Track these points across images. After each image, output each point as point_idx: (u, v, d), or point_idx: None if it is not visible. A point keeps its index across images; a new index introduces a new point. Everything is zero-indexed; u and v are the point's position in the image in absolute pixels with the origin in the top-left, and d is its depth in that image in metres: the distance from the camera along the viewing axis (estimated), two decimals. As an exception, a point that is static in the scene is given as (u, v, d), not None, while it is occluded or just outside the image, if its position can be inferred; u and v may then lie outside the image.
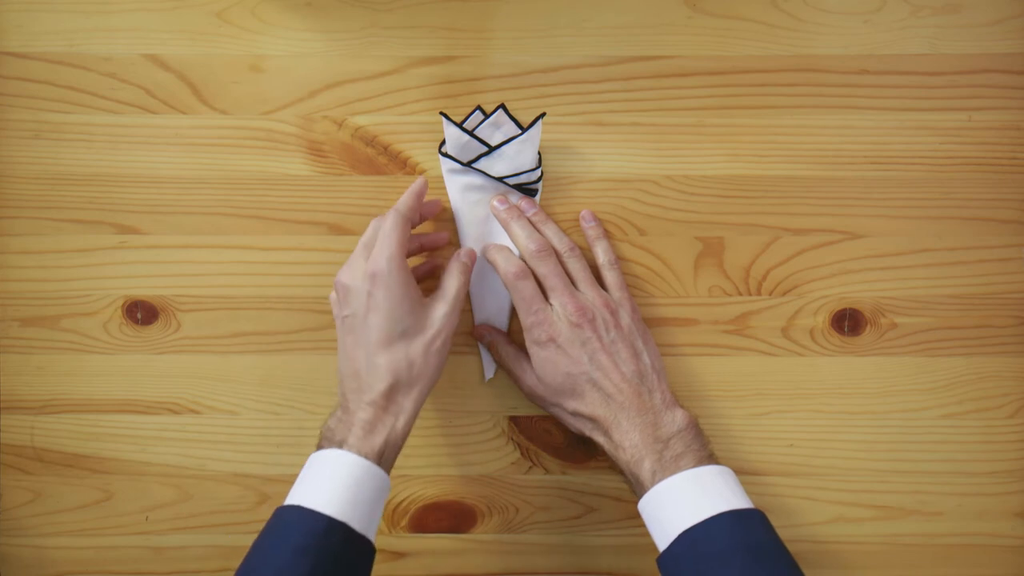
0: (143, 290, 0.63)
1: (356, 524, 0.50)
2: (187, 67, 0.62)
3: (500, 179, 0.60)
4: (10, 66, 0.62)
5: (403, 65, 0.62)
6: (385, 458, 0.52)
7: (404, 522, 0.64)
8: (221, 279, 0.63)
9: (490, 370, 0.62)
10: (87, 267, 0.63)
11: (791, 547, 0.64)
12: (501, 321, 0.62)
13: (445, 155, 0.60)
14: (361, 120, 0.62)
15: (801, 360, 0.63)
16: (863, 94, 0.62)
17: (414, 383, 0.54)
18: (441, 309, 0.55)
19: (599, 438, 0.57)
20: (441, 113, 0.59)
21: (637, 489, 0.54)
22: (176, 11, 0.62)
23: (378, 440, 0.52)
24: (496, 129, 0.60)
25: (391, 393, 0.53)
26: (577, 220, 0.62)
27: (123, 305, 0.63)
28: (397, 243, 0.54)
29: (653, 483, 0.53)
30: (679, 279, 0.63)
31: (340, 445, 0.52)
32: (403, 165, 0.62)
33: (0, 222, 0.63)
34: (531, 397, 0.60)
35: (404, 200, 0.57)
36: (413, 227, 0.59)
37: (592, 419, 0.56)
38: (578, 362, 0.56)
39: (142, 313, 0.63)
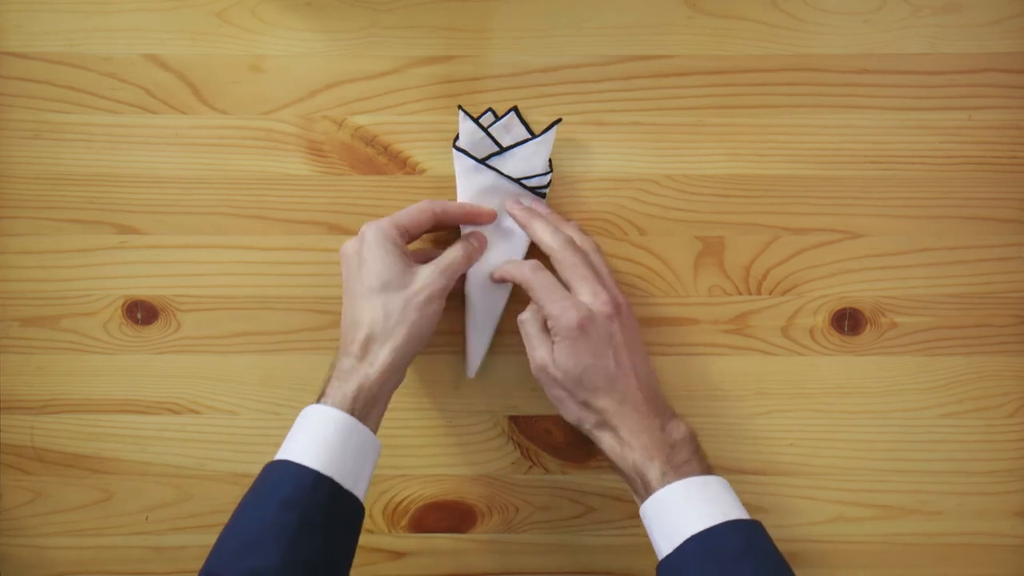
0: (143, 290, 0.63)
1: (343, 480, 0.50)
2: (187, 67, 0.62)
3: (515, 179, 0.60)
4: (10, 66, 0.62)
5: (403, 65, 0.62)
6: (362, 408, 0.52)
7: (404, 522, 0.64)
8: (221, 279, 0.63)
9: (472, 368, 0.62)
10: (87, 267, 0.63)
11: (791, 547, 0.65)
12: (491, 322, 0.61)
13: (460, 150, 0.60)
14: (361, 120, 0.62)
15: (801, 360, 0.63)
16: (863, 94, 0.62)
17: (389, 334, 0.54)
18: (428, 270, 0.56)
19: (603, 434, 0.55)
20: (459, 107, 0.59)
21: (641, 489, 0.54)
22: (176, 11, 0.62)
23: (349, 388, 0.52)
24: (507, 132, 0.60)
25: (367, 343, 0.54)
26: (577, 220, 0.62)
27: (123, 305, 0.63)
28: (398, 215, 0.56)
29: (662, 484, 0.52)
30: (679, 279, 0.63)
31: (319, 399, 0.53)
32: (403, 165, 0.62)
33: (0, 222, 0.63)
34: (538, 373, 0.57)
35: (450, 204, 0.59)
36: (441, 228, 0.61)
37: (601, 413, 0.55)
38: (602, 356, 0.55)
39: (142, 313, 0.63)
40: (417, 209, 0.57)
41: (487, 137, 0.59)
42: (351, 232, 0.62)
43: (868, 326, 0.63)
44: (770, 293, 0.63)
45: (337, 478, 0.50)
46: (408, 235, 0.57)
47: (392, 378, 0.54)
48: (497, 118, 0.60)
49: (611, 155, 0.62)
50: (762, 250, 0.63)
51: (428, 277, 0.55)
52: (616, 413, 0.55)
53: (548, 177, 0.61)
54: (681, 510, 0.51)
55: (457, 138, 0.60)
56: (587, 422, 0.56)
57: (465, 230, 0.60)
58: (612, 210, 0.62)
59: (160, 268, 0.63)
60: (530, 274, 0.57)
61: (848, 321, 0.63)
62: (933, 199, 0.62)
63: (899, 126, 0.62)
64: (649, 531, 0.53)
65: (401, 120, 0.62)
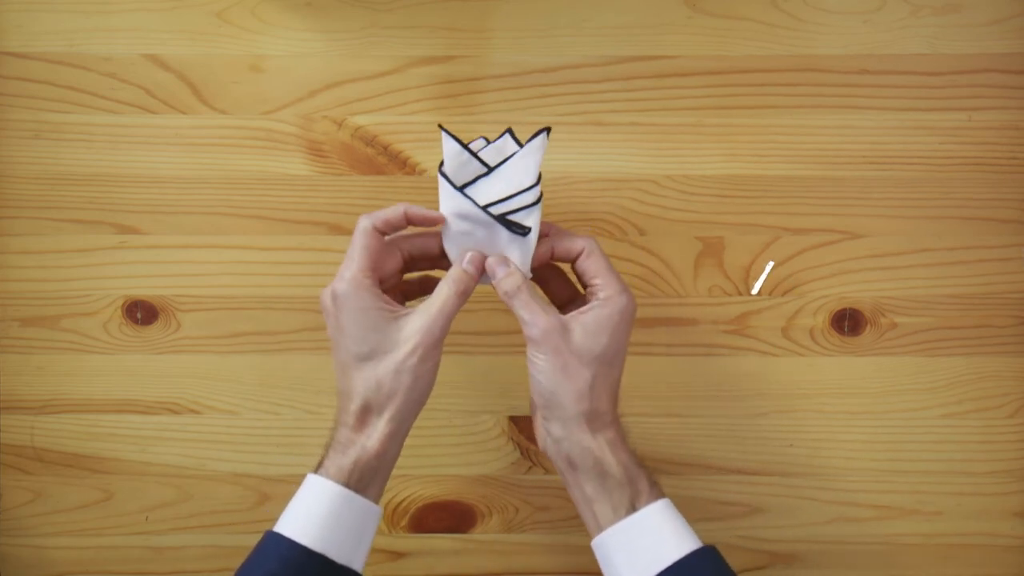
0: (143, 290, 0.63)
1: (336, 555, 0.48)
2: (187, 67, 0.62)
3: (486, 209, 0.53)
4: (10, 66, 0.62)
5: (403, 65, 0.62)
6: (359, 481, 0.50)
7: (404, 522, 0.64)
8: (221, 279, 0.63)
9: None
10: (87, 267, 0.63)
11: (791, 547, 0.65)
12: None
13: (443, 175, 0.53)
14: (361, 120, 0.62)
15: (801, 360, 0.63)
16: (863, 94, 0.62)
17: (385, 404, 0.51)
18: (416, 322, 0.51)
19: (598, 423, 0.52)
20: (440, 126, 0.53)
21: (622, 502, 0.51)
22: (176, 11, 0.62)
23: (347, 462, 0.50)
24: (499, 154, 0.54)
25: (363, 415, 0.51)
26: (576, 220, 0.62)
27: (123, 305, 0.63)
28: (358, 260, 0.51)
29: (650, 500, 0.50)
30: (679, 279, 0.63)
31: (317, 467, 0.51)
32: (403, 165, 0.62)
33: (0, 222, 0.63)
34: (545, 338, 0.52)
35: (380, 212, 0.53)
36: (396, 229, 0.54)
37: (599, 403, 0.52)
38: (625, 344, 0.53)
39: (142, 313, 0.63)
40: (363, 237, 0.52)
41: (473, 159, 0.53)
42: (351, 232, 0.62)
43: (868, 327, 0.63)
44: (770, 294, 0.63)
45: (330, 554, 0.48)
46: (374, 272, 0.52)
47: (393, 447, 0.51)
48: (489, 143, 0.54)
49: (611, 155, 0.62)
50: (762, 250, 0.63)
51: (417, 333, 0.50)
52: (612, 407, 0.53)
53: (536, 192, 0.53)
54: (662, 534, 0.50)
55: (443, 163, 0.54)
56: (586, 403, 0.51)
57: (452, 252, 0.54)
58: (612, 210, 0.62)
59: (160, 268, 0.63)
60: (592, 242, 0.53)
61: (848, 322, 0.63)
62: (933, 199, 0.62)
63: (899, 127, 0.62)
64: (614, 554, 0.50)
65: (401, 120, 0.62)
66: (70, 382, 0.63)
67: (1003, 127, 0.62)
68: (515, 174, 0.53)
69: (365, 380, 0.51)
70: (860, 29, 0.62)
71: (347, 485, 0.50)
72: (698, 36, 0.62)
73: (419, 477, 0.64)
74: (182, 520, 0.64)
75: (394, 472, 0.63)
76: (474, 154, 0.53)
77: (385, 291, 0.53)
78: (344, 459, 0.50)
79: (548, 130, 0.53)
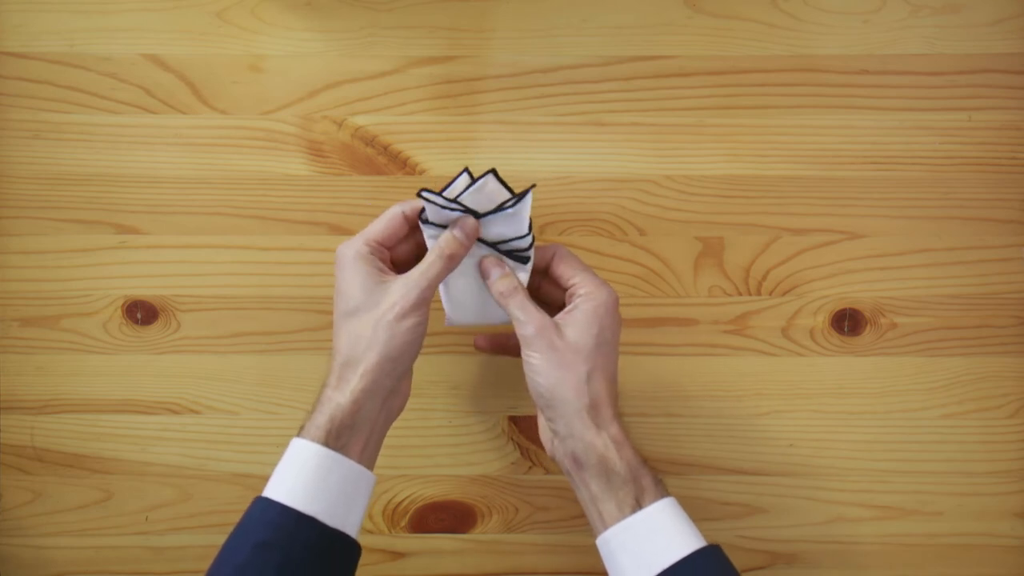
0: (143, 290, 0.63)
1: (327, 518, 0.48)
2: (187, 67, 0.62)
3: (486, 242, 0.55)
4: (10, 66, 0.62)
5: (403, 65, 0.62)
6: (337, 439, 0.50)
7: (404, 522, 0.64)
8: (221, 279, 0.63)
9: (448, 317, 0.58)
10: (87, 267, 0.63)
11: (790, 547, 0.65)
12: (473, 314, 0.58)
13: (426, 222, 0.54)
14: (361, 120, 0.62)
15: (801, 360, 0.63)
16: (863, 94, 0.62)
17: (361, 358, 0.51)
18: (399, 283, 0.52)
19: (601, 417, 0.53)
20: (419, 193, 0.53)
21: (627, 498, 0.51)
22: (176, 11, 0.62)
23: (323, 419, 0.50)
24: (480, 193, 0.54)
25: (342, 371, 0.52)
26: (576, 220, 0.62)
27: (123, 305, 0.63)
28: (370, 230, 0.54)
29: (655, 497, 0.51)
30: (679, 279, 0.63)
31: (299, 430, 0.51)
32: (403, 165, 0.62)
33: (0, 222, 0.63)
34: (538, 335, 0.53)
35: (413, 201, 0.55)
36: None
37: (598, 395, 0.53)
38: (616, 342, 0.55)
39: (142, 313, 0.63)
40: (387, 216, 0.54)
41: (457, 209, 0.53)
42: (351, 232, 0.62)
43: (868, 327, 0.63)
44: (770, 294, 0.63)
45: (322, 516, 0.48)
46: (383, 248, 0.54)
47: (368, 404, 0.51)
48: (473, 180, 0.54)
49: (611, 155, 0.62)
50: (762, 250, 0.63)
51: (399, 291, 0.52)
52: (612, 402, 0.53)
53: (529, 239, 0.55)
54: (667, 532, 0.50)
55: (424, 211, 0.54)
56: (585, 396, 0.52)
57: (448, 305, 0.57)
58: (612, 210, 0.62)
59: (160, 268, 0.63)
60: (560, 247, 0.56)
61: (848, 322, 0.63)
62: (933, 199, 0.62)
63: (899, 127, 0.62)
64: (618, 552, 0.51)
65: (401, 120, 0.62)
66: (70, 382, 0.63)
67: (1003, 127, 0.62)
68: (505, 225, 0.55)
69: (347, 335, 0.52)
70: (860, 29, 0.62)
71: (326, 444, 0.50)
72: (698, 36, 0.62)
73: (419, 477, 0.64)
74: (182, 520, 0.64)
75: (394, 472, 0.63)
76: (458, 206, 0.53)
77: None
78: (321, 417, 0.51)
79: (533, 186, 0.54)
